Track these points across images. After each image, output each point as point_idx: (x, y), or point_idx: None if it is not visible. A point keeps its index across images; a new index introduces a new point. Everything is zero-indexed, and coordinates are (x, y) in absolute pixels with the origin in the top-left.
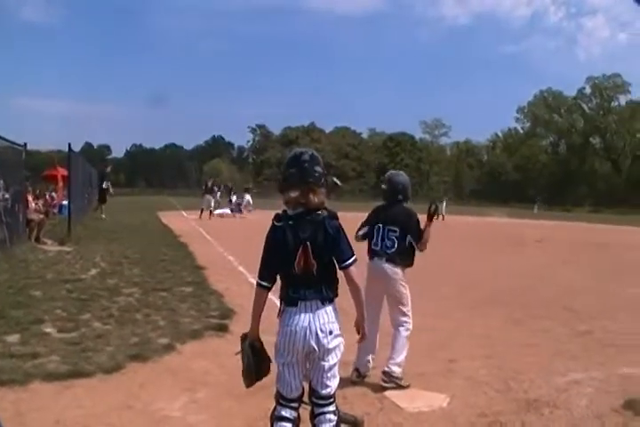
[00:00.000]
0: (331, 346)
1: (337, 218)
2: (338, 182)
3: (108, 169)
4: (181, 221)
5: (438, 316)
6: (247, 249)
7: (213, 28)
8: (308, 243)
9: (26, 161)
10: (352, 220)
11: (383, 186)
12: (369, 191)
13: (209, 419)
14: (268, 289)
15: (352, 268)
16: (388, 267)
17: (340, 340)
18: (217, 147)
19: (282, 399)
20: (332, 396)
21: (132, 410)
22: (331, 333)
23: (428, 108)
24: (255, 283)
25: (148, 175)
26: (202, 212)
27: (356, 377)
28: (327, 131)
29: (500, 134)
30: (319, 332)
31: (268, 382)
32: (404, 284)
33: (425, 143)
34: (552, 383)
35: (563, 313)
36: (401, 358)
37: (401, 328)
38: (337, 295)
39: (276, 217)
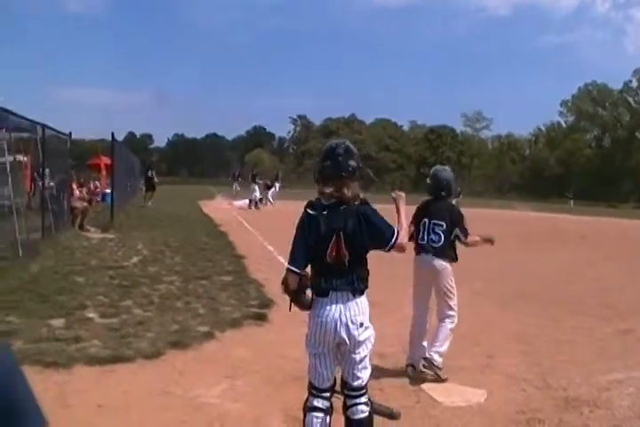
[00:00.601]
0: (361, 338)
1: (368, 203)
2: (373, 178)
3: (154, 158)
4: (222, 210)
5: (474, 311)
6: (287, 239)
7: (255, 19)
8: (341, 233)
9: (70, 150)
10: (392, 212)
11: (428, 181)
12: (409, 184)
13: (246, 406)
14: (299, 275)
15: (398, 241)
16: (437, 261)
17: (370, 332)
18: (258, 137)
19: (314, 390)
20: (364, 387)
21: (171, 396)
22: (361, 325)
23: (469, 100)
24: (286, 269)
25: (190, 165)
26: (250, 202)
27: (411, 372)
28: (368, 122)
29: (542, 128)
30: (350, 324)
31: (306, 373)
32: (451, 277)
33: (466, 136)
34: (592, 382)
35: (603, 310)
36: (443, 347)
37: (447, 320)
38: (367, 287)
39: (310, 205)
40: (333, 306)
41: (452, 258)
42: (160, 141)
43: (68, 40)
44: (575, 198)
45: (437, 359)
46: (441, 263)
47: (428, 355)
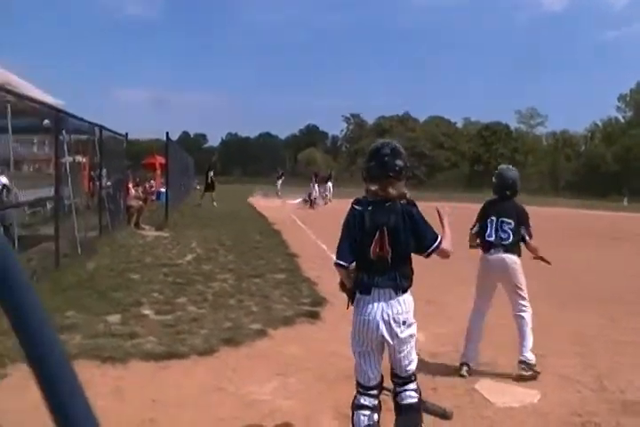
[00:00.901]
0: (404, 336)
1: (415, 205)
2: (423, 178)
3: (214, 158)
4: (275, 208)
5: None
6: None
7: (308, 18)
8: (385, 229)
9: (127, 150)
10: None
11: (494, 180)
12: (463, 181)
13: (298, 404)
14: (347, 268)
15: (441, 246)
16: (508, 257)
17: (413, 328)
18: (311, 136)
19: (360, 388)
20: (412, 375)
21: (224, 392)
22: (404, 323)
23: (523, 97)
24: (334, 263)
25: (243, 164)
26: (306, 201)
27: (466, 371)
28: (421, 120)
29: (599, 124)
30: (392, 322)
31: None
32: (522, 272)
33: (520, 133)
34: None
35: None
36: (530, 343)
37: (523, 313)
38: (411, 285)
39: (356, 201)
40: (376, 304)
41: (519, 254)
42: (214, 141)
43: (126, 42)
44: (632, 196)
45: (531, 358)
46: (512, 258)
47: (522, 357)
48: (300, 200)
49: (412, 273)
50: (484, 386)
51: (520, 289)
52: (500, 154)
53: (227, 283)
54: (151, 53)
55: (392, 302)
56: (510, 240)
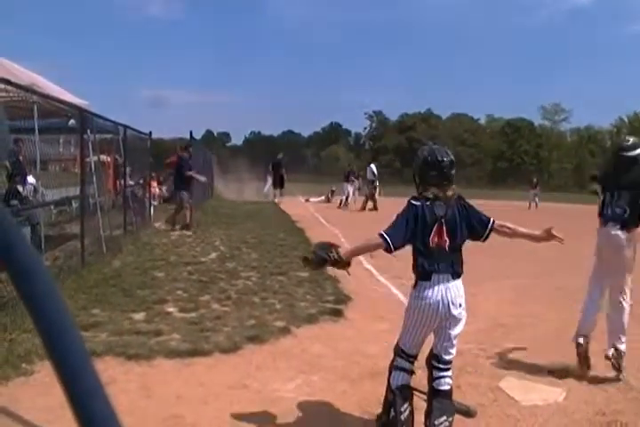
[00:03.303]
0: (459, 317)
1: (463, 198)
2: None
3: (280, 156)
4: (299, 206)
5: (554, 307)
6: (364, 235)
7: (330, 16)
8: (443, 220)
9: (150, 149)
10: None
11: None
12: (486, 178)
13: (322, 402)
14: (387, 250)
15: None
16: (622, 232)
17: (465, 313)
18: (334, 134)
19: (403, 353)
20: (451, 362)
21: (248, 390)
22: (460, 305)
23: (547, 92)
24: (379, 235)
25: (267, 162)
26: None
27: (584, 341)
28: (444, 117)
29: (625, 119)
30: (451, 304)
31: (382, 369)
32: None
33: (544, 129)
34: None
35: None
36: (625, 332)
37: (623, 302)
38: (463, 272)
39: (413, 198)
40: (436, 287)
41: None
42: (237, 139)
43: (150, 42)
44: None
45: (623, 348)
46: (622, 234)
47: (618, 346)
48: (321, 198)
49: (463, 261)
50: (509, 384)
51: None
52: (523, 150)
53: (250, 281)
54: (177, 54)
55: (450, 285)
56: (626, 215)
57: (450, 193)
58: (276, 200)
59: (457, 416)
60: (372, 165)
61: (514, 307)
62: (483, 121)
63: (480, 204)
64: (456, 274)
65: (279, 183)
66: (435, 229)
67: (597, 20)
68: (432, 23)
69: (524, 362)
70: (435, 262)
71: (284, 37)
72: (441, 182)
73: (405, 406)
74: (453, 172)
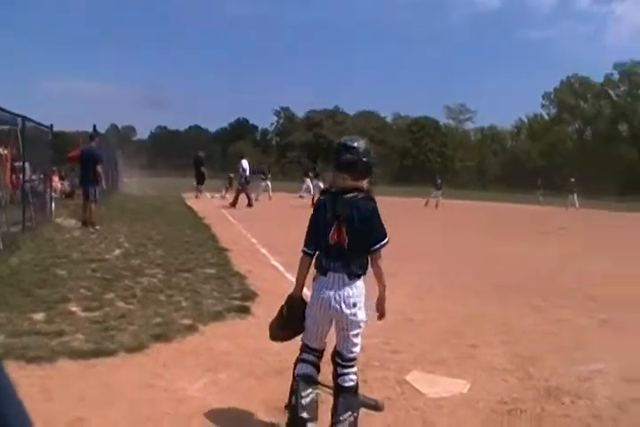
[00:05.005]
0: (353, 318)
1: (373, 200)
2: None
3: (200, 153)
4: (205, 202)
5: (456, 301)
6: (270, 232)
7: (239, 12)
8: (342, 218)
9: (52, 142)
10: (380, 202)
11: None
12: (392, 175)
13: (229, 399)
14: (310, 256)
15: (380, 251)
16: None
17: (363, 313)
18: (241, 129)
19: (306, 347)
20: (354, 359)
21: (154, 389)
22: (354, 305)
23: (452, 93)
24: (301, 250)
25: (173, 157)
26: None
27: None
28: (351, 114)
29: (525, 120)
30: (343, 304)
31: (288, 365)
32: None
33: (449, 128)
34: (573, 372)
35: (584, 301)
36: None
37: None
38: (365, 273)
39: (322, 191)
40: (330, 286)
41: None
42: (143, 134)
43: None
44: (555, 190)
45: None
46: None
47: None
48: (222, 194)
49: (368, 263)
50: (415, 377)
51: None
52: (428, 148)
53: (156, 278)
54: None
55: (345, 285)
56: None
57: (354, 185)
58: (195, 196)
59: (365, 410)
60: (244, 161)
61: (418, 302)
62: (389, 119)
63: (384, 201)
64: (353, 274)
65: (199, 180)
66: (334, 226)
67: (503, 24)
68: (341, 22)
69: (429, 355)
70: (332, 260)
71: (191, 31)
72: (349, 169)
73: (307, 391)
74: (363, 159)
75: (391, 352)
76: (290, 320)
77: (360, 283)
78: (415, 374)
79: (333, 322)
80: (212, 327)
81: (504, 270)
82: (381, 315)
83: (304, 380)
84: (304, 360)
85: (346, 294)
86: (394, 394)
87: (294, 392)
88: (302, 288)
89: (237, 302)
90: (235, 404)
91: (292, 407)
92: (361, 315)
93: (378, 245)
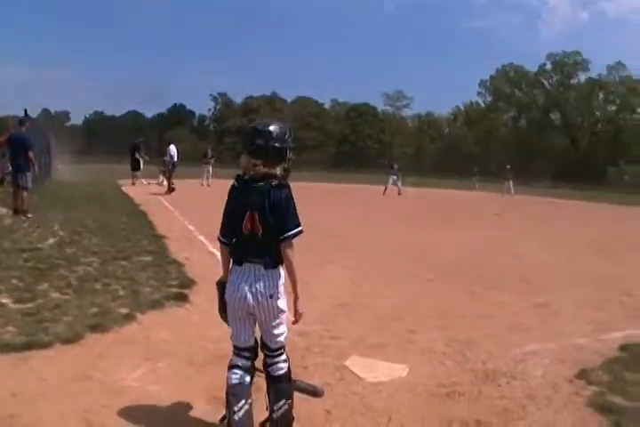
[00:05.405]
0: (271, 308)
1: (286, 187)
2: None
3: (138, 139)
4: (142, 189)
5: (393, 287)
6: (208, 218)
7: None
8: (255, 207)
9: None
10: (316, 189)
11: None
12: (329, 161)
13: (168, 388)
14: (227, 244)
15: (291, 241)
16: None
17: (282, 303)
18: (178, 115)
19: (235, 349)
20: (281, 348)
21: (92, 381)
22: (271, 296)
23: (390, 79)
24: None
25: (108, 143)
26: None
27: None
28: (289, 100)
29: (461, 107)
30: (259, 295)
31: (227, 353)
32: None
33: (387, 115)
34: (509, 355)
35: (519, 285)
36: None
37: None
38: (281, 262)
39: (235, 178)
40: (245, 276)
41: None
42: (77, 119)
43: None
44: (490, 177)
45: None
46: None
47: None
48: (158, 180)
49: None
50: (354, 363)
51: None
52: (366, 135)
53: (91, 266)
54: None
55: (260, 275)
56: None
57: (267, 170)
58: (132, 183)
59: (305, 396)
60: (172, 146)
61: (355, 288)
62: (327, 105)
63: (317, 187)
64: (269, 264)
65: (135, 166)
66: (247, 214)
67: (441, 12)
68: (279, 8)
69: (368, 341)
70: (247, 249)
71: (130, 13)
72: (260, 154)
73: (240, 405)
74: (275, 144)
75: (331, 338)
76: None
77: (277, 273)
78: (354, 360)
79: (254, 315)
80: (150, 316)
81: (440, 256)
82: (296, 317)
83: (235, 393)
84: (234, 367)
85: (261, 285)
86: (333, 379)
87: (227, 406)
88: (227, 274)
89: (175, 290)
90: (174, 393)
91: (227, 423)
92: (279, 305)
93: (288, 235)
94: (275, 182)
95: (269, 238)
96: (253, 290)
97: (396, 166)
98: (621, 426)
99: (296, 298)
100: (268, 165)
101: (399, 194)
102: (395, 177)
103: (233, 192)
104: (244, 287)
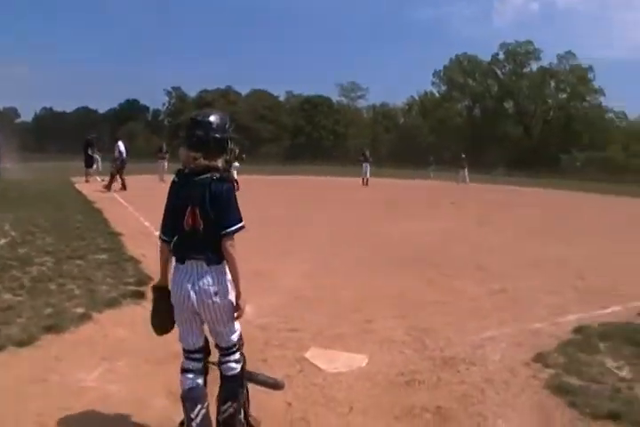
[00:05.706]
0: (216, 306)
1: (229, 181)
2: (242, 157)
3: (90, 136)
4: (96, 186)
5: (352, 276)
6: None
7: None
8: (196, 201)
9: None
10: (272, 182)
11: None
12: (284, 154)
13: (127, 387)
14: (168, 242)
15: (232, 236)
16: None
17: (227, 300)
18: (131, 110)
19: (185, 352)
20: (233, 346)
21: (48, 383)
22: (215, 294)
23: (345, 70)
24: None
25: (59, 140)
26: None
27: None
28: (244, 93)
29: (416, 98)
30: (203, 293)
31: None
32: None
33: (342, 106)
34: (467, 341)
35: (476, 272)
36: None
37: None
38: (224, 258)
39: (176, 173)
40: (188, 274)
41: None
42: (27, 116)
43: None
44: (445, 166)
45: None
46: None
47: None
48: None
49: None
50: (314, 354)
51: None
52: (321, 126)
53: (45, 266)
54: None
55: (203, 272)
56: None
57: (208, 163)
58: (85, 180)
59: (265, 389)
60: (120, 143)
61: (313, 279)
62: (282, 98)
63: (273, 180)
64: (212, 260)
65: (88, 163)
66: (189, 209)
67: (394, 2)
68: None
69: (327, 332)
70: (188, 246)
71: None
72: (200, 146)
73: (196, 410)
74: (214, 135)
75: (290, 330)
76: (160, 311)
77: (221, 269)
78: (314, 351)
79: (200, 314)
80: (107, 315)
81: (397, 245)
82: (238, 314)
83: (190, 397)
84: (186, 370)
85: (205, 282)
86: (293, 371)
87: (184, 413)
88: (167, 277)
89: (132, 288)
90: (134, 391)
91: None
92: (225, 302)
93: (228, 231)
94: (216, 176)
95: (211, 234)
96: (197, 288)
97: (367, 153)
98: (577, 405)
99: (238, 294)
100: (208, 157)
101: (366, 184)
102: (367, 164)
103: (174, 187)
104: (187, 286)
